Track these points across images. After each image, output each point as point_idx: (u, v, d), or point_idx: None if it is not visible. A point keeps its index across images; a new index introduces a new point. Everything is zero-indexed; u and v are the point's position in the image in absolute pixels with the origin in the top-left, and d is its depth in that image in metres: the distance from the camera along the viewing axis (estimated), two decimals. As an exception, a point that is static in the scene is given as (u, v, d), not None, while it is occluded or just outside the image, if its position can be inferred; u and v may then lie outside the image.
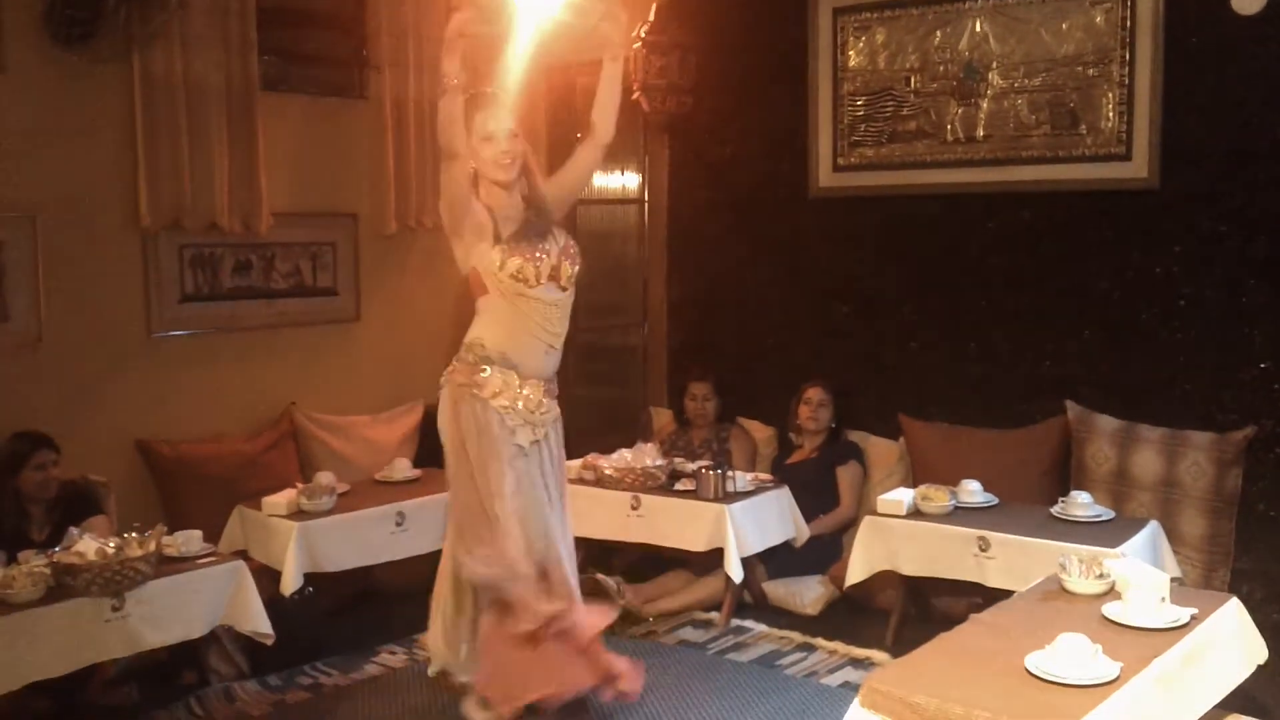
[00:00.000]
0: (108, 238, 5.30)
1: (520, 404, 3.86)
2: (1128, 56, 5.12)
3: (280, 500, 4.87)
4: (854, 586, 4.92)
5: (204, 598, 4.26)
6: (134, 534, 4.14)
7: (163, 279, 5.48)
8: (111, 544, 4.04)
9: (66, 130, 5.13)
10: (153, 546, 4.12)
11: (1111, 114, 5.18)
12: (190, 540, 4.41)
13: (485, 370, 3.84)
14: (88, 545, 4.00)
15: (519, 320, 3.87)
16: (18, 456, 4.62)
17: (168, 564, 4.23)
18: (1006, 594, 3.86)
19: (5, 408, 4.87)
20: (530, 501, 3.88)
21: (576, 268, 3.98)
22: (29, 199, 5.00)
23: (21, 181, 4.96)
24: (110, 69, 5.22)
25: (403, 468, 5.53)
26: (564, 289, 3.94)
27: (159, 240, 5.44)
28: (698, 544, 5.07)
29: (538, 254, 3.85)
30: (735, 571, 4.99)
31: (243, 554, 4.74)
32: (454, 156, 3.71)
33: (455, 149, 3.71)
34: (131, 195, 5.32)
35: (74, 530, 4.20)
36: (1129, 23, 5.11)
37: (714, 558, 5.11)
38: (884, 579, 4.88)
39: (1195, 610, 3.21)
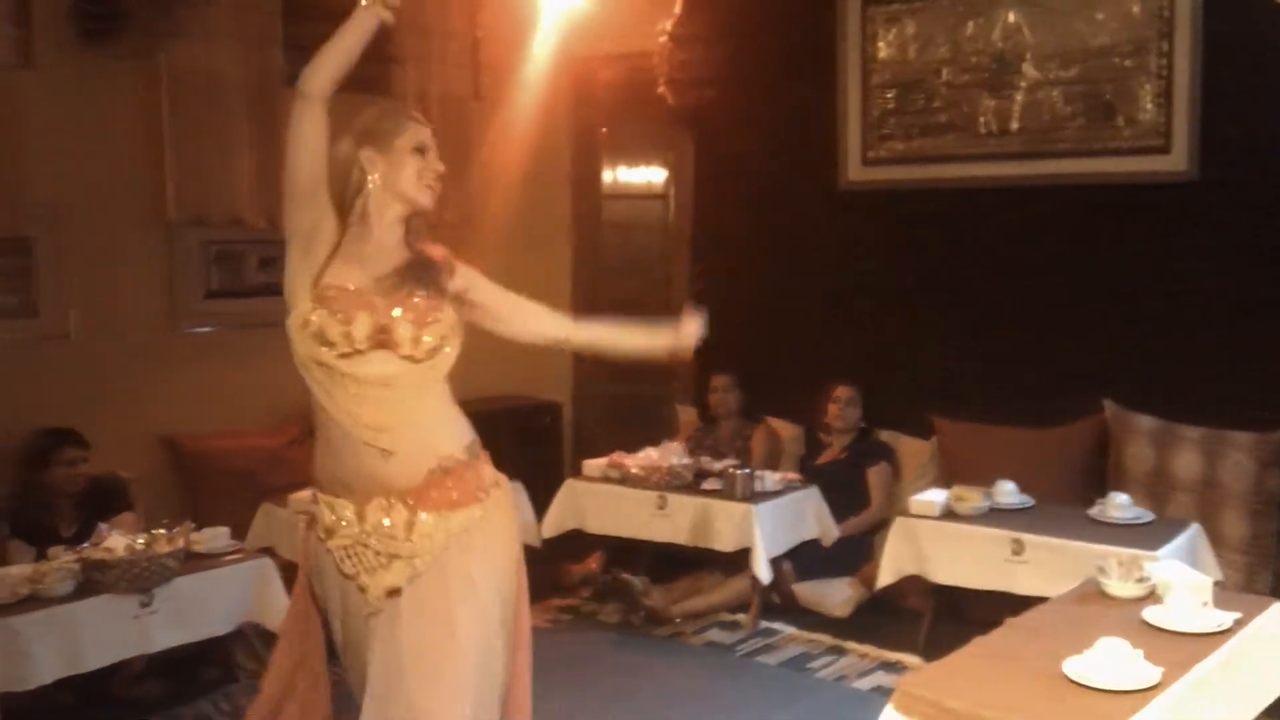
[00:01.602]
0: (133, 234, 5.32)
1: (371, 535, 2.63)
2: (1166, 47, 5.03)
3: (306, 497, 4.83)
4: (885, 588, 4.86)
5: (230, 594, 4.29)
6: (162, 530, 4.16)
7: (188, 275, 5.50)
8: (140, 540, 4.07)
9: (92, 127, 5.15)
10: (180, 543, 4.15)
11: (1149, 105, 5.10)
12: (217, 537, 4.44)
13: (318, 499, 2.72)
14: (117, 541, 4.03)
15: (333, 412, 2.66)
16: (46, 452, 4.67)
17: (195, 560, 4.27)
18: (1040, 600, 3.79)
19: (33, 403, 4.90)
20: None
21: (435, 326, 2.69)
22: (56, 195, 5.04)
23: (49, 178, 4.99)
24: (136, 65, 5.23)
25: (428, 464, 5.49)
26: (408, 357, 2.65)
27: (184, 236, 5.46)
28: (725, 544, 5.02)
29: (356, 306, 2.60)
30: (763, 572, 4.94)
31: (269, 551, 4.74)
32: (311, 99, 2.63)
33: (321, 86, 2.64)
34: (157, 191, 5.33)
35: (103, 526, 4.23)
36: (1166, 12, 5.02)
37: (741, 558, 5.06)
38: (915, 580, 4.81)
39: (1239, 614, 3.14)
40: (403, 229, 2.78)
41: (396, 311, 2.63)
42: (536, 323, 3.08)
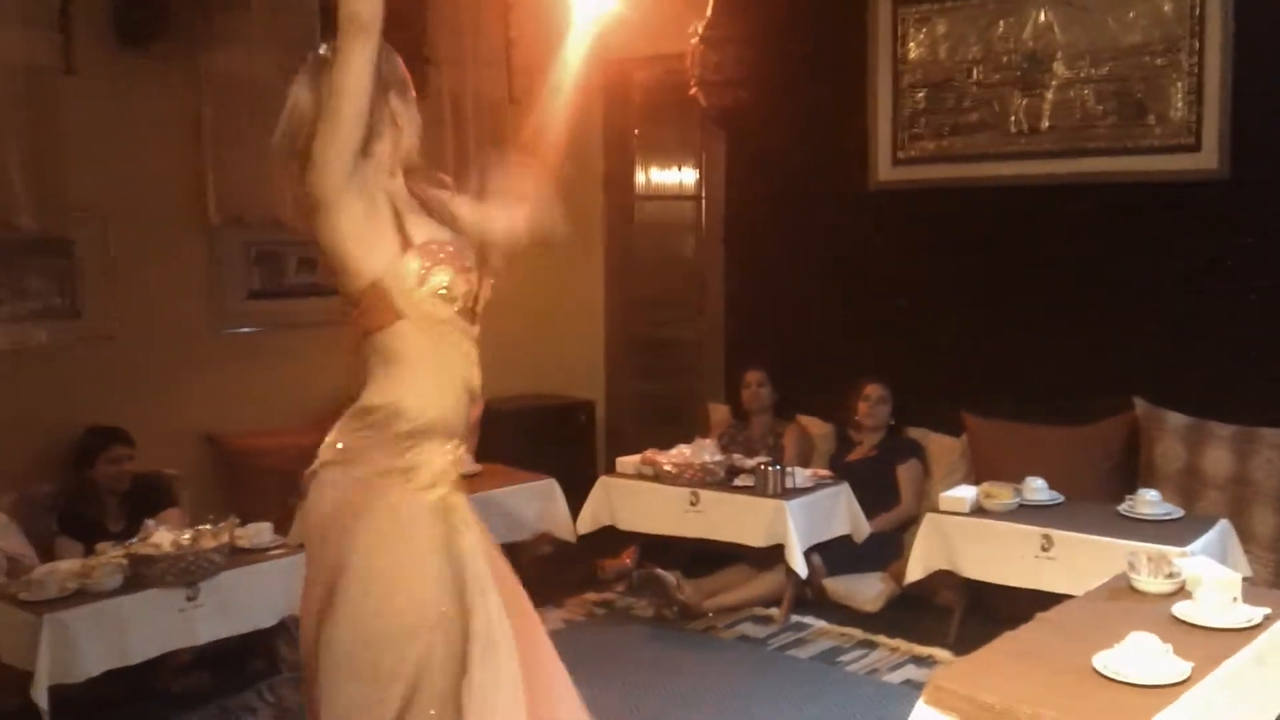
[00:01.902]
0: (176, 236, 5.40)
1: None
2: (1197, 45, 5.04)
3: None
4: (915, 583, 4.89)
5: (274, 588, 4.34)
6: (207, 526, 4.23)
7: (230, 276, 5.58)
8: (186, 535, 4.13)
9: (133, 130, 5.23)
10: (225, 538, 4.22)
11: (1180, 104, 5.10)
12: (261, 532, 4.50)
13: (418, 447, 2.60)
14: (163, 537, 4.10)
15: (444, 362, 2.64)
16: (93, 450, 4.76)
17: (239, 555, 4.34)
18: (1071, 596, 3.82)
19: (80, 402, 4.99)
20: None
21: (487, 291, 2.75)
22: (100, 199, 5.11)
23: (92, 181, 5.07)
24: (176, 70, 5.31)
25: (464, 461, 5.55)
26: (476, 320, 2.72)
27: (225, 238, 5.53)
28: (757, 539, 5.06)
29: (468, 264, 2.64)
30: (800, 566, 4.98)
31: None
32: (364, 27, 2.48)
33: (372, 11, 2.50)
34: (199, 194, 5.41)
35: (150, 522, 4.30)
36: (1197, 10, 5.03)
37: (772, 553, 5.10)
38: (946, 575, 4.84)
39: (1268, 610, 3.16)
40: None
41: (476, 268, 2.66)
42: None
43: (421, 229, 2.60)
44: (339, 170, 2.48)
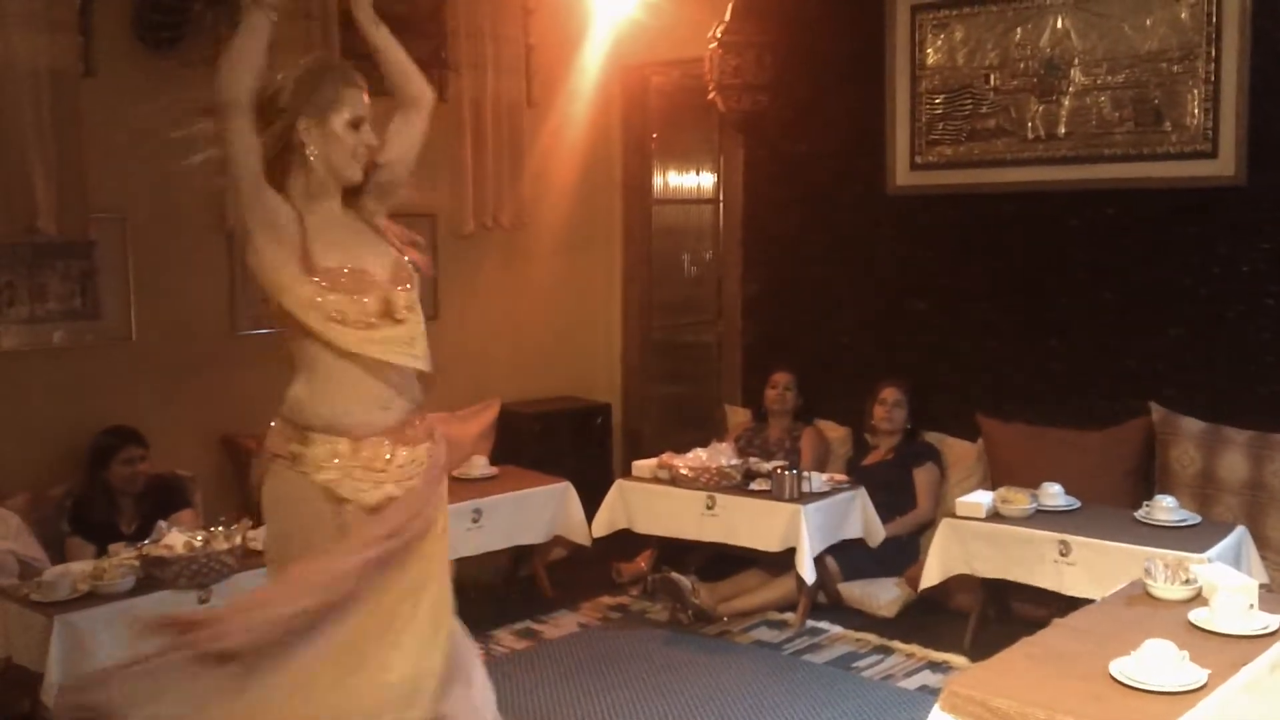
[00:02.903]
0: (195, 239, 5.42)
1: (361, 468, 2.89)
2: (1213, 52, 5.03)
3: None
4: (931, 588, 4.88)
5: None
6: (220, 528, 4.23)
7: (247, 278, 5.57)
8: (199, 537, 4.13)
9: (155, 133, 5.24)
10: (238, 540, 4.20)
11: (1197, 110, 5.09)
12: (274, 535, 4.49)
13: (308, 439, 2.89)
14: (176, 539, 4.09)
15: (344, 372, 2.89)
16: (107, 451, 4.77)
17: (252, 557, 4.29)
18: (1086, 601, 3.81)
19: (97, 403, 5.02)
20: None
21: (412, 291, 2.97)
22: (119, 201, 5.14)
23: (112, 184, 5.09)
24: (197, 72, 5.32)
25: (480, 464, 5.58)
26: (399, 321, 2.92)
27: (243, 240, 5.54)
28: (772, 544, 5.06)
29: (364, 286, 2.87)
30: (808, 573, 4.97)
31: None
32: (237, 107, 2.76)
33: (241, 93, 2.76)
34: (217, 196, 5.41)
35: (162, 524, 4.30)
36: (1214, 18, 5.02)
37: (789, 558, 5.10)
38: (962, 580, 4.84)
39: (1285, 617, 3.16)
40: (340, 197, 2.98)
41: (383, 278, 2.91)
42: (411, 136, 3.12)
43: (334, 254, 2.87)
44: (245, 213, 2.84)
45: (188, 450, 5.26)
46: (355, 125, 2.92)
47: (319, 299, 2.81)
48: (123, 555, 4.14)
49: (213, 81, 2.80)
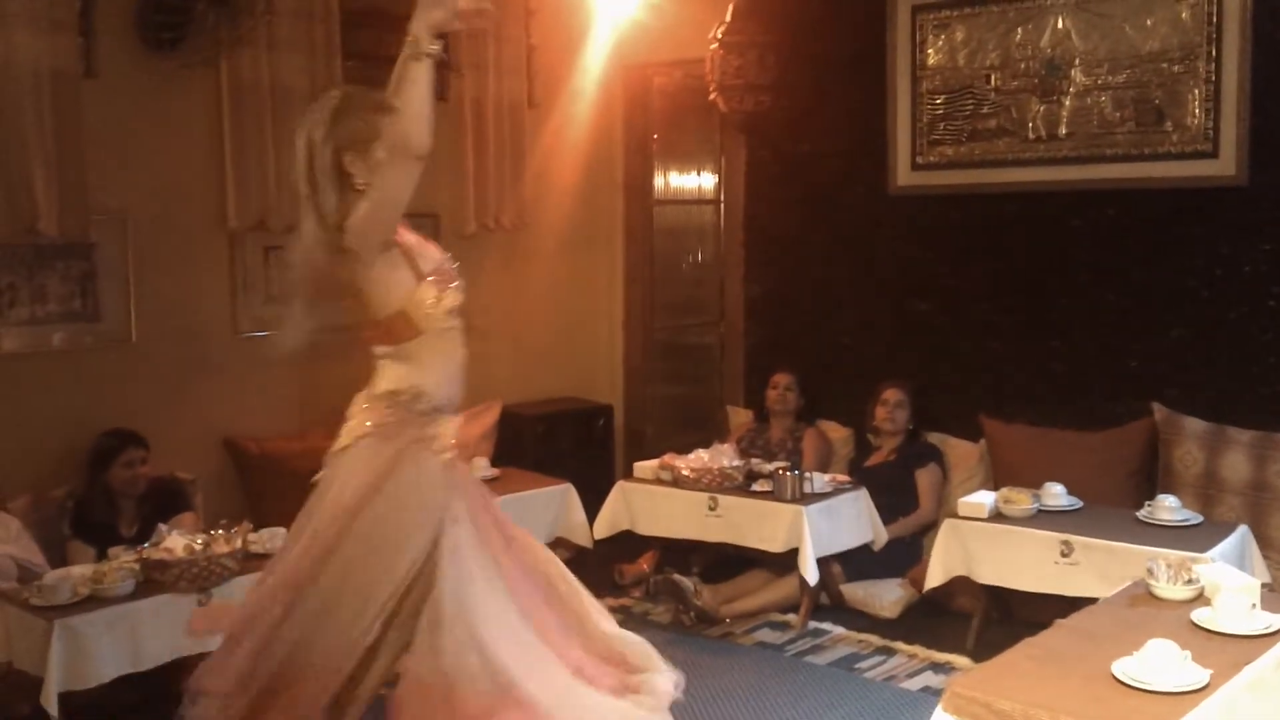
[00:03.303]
0: (196, 239, 5.42)
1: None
2: (1214, 52, 5.03)
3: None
4: (934, 589, 4.88)
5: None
6: (220, 531, 4.22)
7: (249, 280, 5.59)
8: (199, 540, 4.12)
9: (157, 134, 5.26)
10: (239, 543, 4.20)
11: (1198, 110, 5.09)
12: (275, 537, 4.46)
13: (437, 420, 3.24)
14: (176, 542, 4.08)
15: (452, 357, 3.29)
16: (108, 453, 4.76)
17: (253, 560, 4.29)
18: (1089, 601, 3.80)
19: (97, 405, 5.01)
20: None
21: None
22: (120, 201, 5.13)
23: (113, 184, 5.09)
24: (198, 74, 5.33)
25: (481, 466, 5.56)
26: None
27: (246, 242, 5.55)
28: (775, 545, 5.05)
29: (454, 281, 3.29)
30: (811, 573, 4.97)
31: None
32: (422, 154, 3.01)
33: (427, 140, 2.99)
34: (219, 198, 5.43)
35: (162, 527, 4.29)
36: (1215, 18, 5.02)
37: (792, 558, 5.09)
38: (964, 581, 4.83)
39: (1287, 617, 3.15)
40: None
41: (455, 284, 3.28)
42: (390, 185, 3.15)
43: (426, 259, 3.24)
44: (375, 247, 3.10)
45: (188, 453, 5.25)
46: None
47: (436, 297, 3.19)
48: (123, 558, 4.13)
49: (391, 129, 2.99)
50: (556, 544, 5.60)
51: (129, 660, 3.93)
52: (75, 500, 4.80)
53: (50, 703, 3.70)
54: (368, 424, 3.23)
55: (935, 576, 4.79)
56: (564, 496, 5.51)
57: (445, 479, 3.21)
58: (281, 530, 4.53)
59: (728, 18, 6.06)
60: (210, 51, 5.28)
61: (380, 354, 3.28)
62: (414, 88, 2.96)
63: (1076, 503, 4.73)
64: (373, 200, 3.04)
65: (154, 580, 4.02)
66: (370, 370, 3.31)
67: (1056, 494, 4.73)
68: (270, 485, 5.45)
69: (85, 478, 4.84)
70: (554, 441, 6.51)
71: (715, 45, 6.07)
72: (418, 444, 3.21)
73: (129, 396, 5.14)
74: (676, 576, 5.20)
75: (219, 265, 5.51)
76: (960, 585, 4.88)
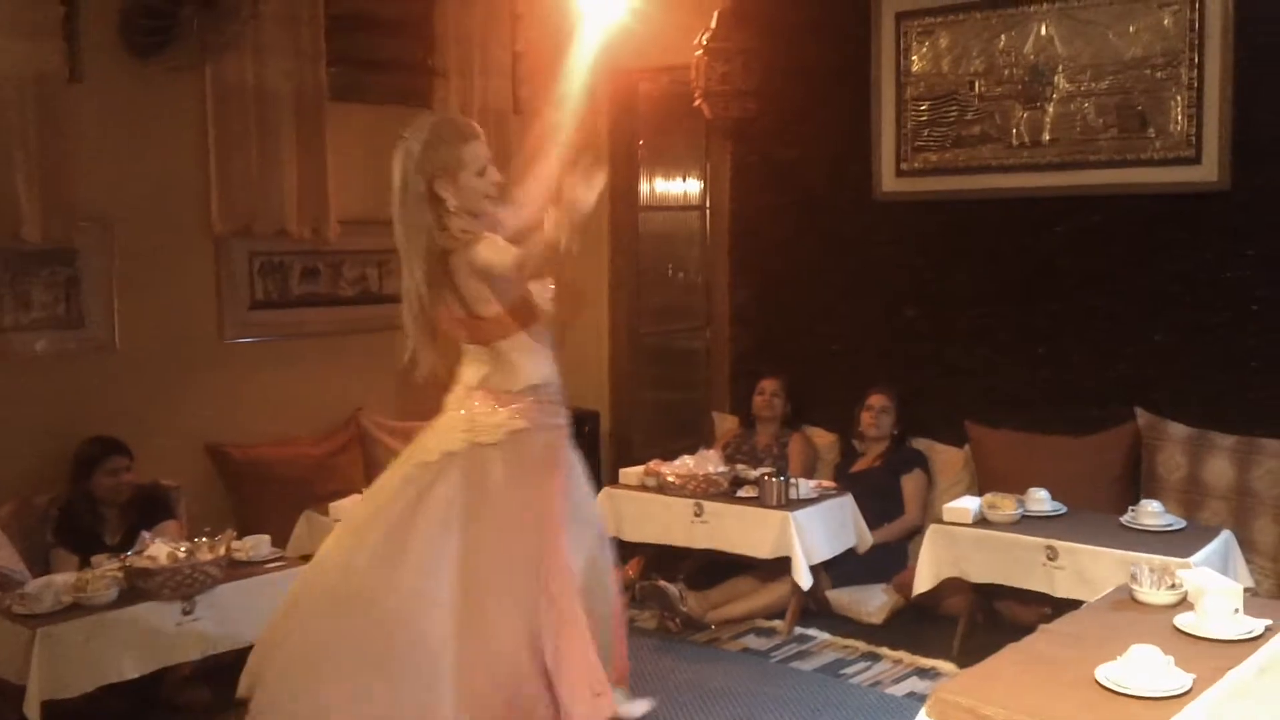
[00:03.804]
0: (180, 245, 5.40)
1: None
2: (1196, 59, 5.06)
3: (346, 505, 4.91)
4: (922, 594, 4.88)
5: (273, 601, 4.25)
6: (204, 538, 4.20)
7: (234, 286, 5.58)
8: (182, 548, 4.10)
9: (141, 139, 5.24)
10: (222, 551, 4.18)
11: (1180, 116, 5.11)
12: (259, 545, 4.47)
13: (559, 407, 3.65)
14: (159, 549, 4.07)
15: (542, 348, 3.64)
16: (91, 461, 4.73)
17: (237, 568, 4.29)
18: (1075, 604, 3.81)
19: (80, 412, 4.98)
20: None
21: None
22: (104, 206, 5.11)
23: (96, 189, 5.07)
24: (183, 78, 5.32)
25: (467, 472, 5.55)
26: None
27: (230, 247, 5.54)
28: (763, 551, 5.05)
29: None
30: (804, 579, 4.97)
31: (310, 558, 4.77)
32: (550, 258, 3.39)
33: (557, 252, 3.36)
34: (203, 203, 5.42)
35: (145, 534, 4.27)
36: (1197, 24, 5.04)
37: (777, 565, 5.10)
38: (950, 587, 4.83)
39: (1270, 621, 3.15)
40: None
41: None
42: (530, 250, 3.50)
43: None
44: (518, 277, 3.45)
45: (173, 460, 5.22)
46: (481, 174, 3.53)
47: (539, 293, 3.55)
48: (106, 566, 4.10)
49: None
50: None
51: (113, 669, 3.90)
52: (58, 508, 4.76)
53: (33, 711, 3.67)
54: (517, 419, 3.52)
55: (924, 581, 4.79)
56: (549, 502, 5.49)
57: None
58: (266, 538, 4.52)
59: (713, 24, 6.07)
60: (195, 56, 5.26)
61: (506, 348, 3.55)
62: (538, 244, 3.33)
63: (1061, 508, 4.73)
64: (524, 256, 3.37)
65: (138, 588, 4.00)
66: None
67: (1041, 499, 4.74)
68: (253, 492, 5.44)
69: (69, 485, 4.80)
70: (540, 448, 6.49)
71: (701, 51, 6.08)
72: (558, 431, 3.65)
73: (113, 403, 5.11)
74: (662, 583, 5.20)
75: (204, 271, 5.49)
76: (946, 590, 4.89)
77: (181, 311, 5.42)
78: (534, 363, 3.57)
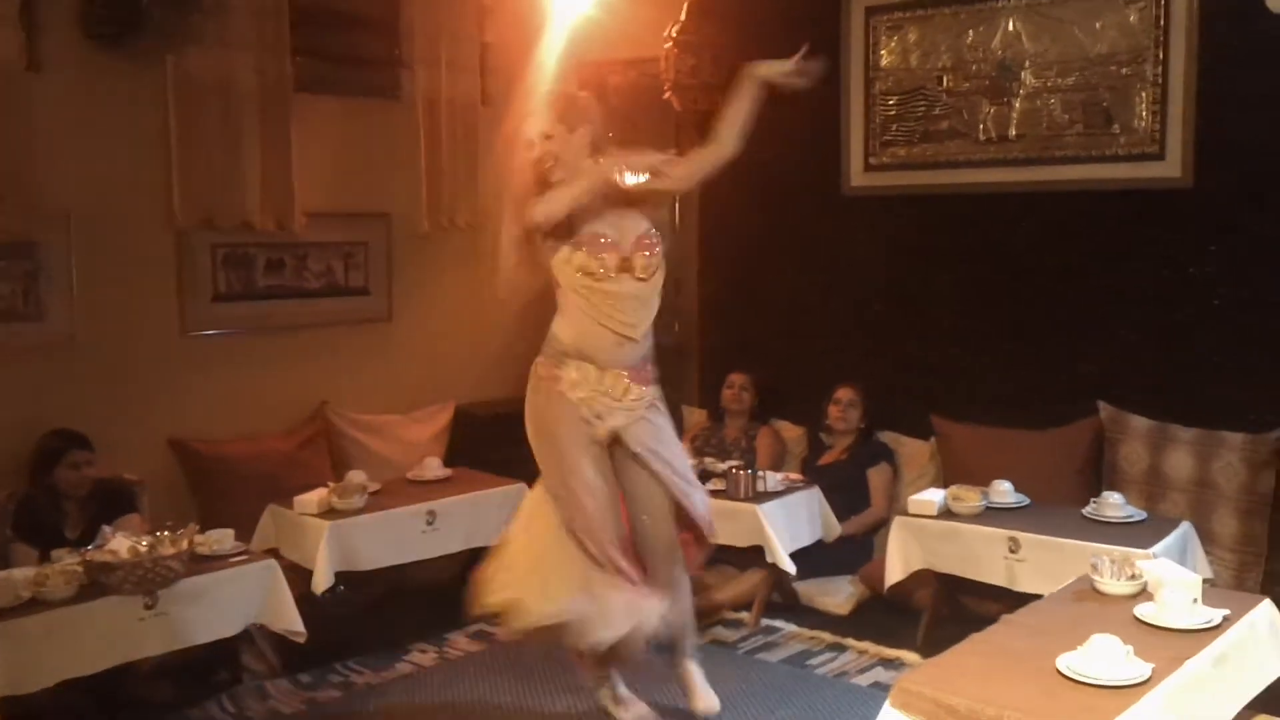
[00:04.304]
0: (142, 237, 5.36)
1: (604, 394, 3.88)
2: (1161, 55, 5.08)
3: (312, 499, 4.90)
4: (889, 586, 4.89)
5: (237, 596, 4.28)
6: (166, 533, 4.16)
7: (196, 278, 5.54)
8: (144, 542, 4.06)
9: (101, 130, 5.19)
10: (185, 545, 4.14)
11: (1145, 113, 5.14)
12: (223, 539, 4.43)
13: (564, 363, 3.88)
14: (120, 544, 4.02)
15: (590, 312, 3.86)
16: (52, 455, 4.67)
17: (200, 563, 4.25)
18: (1036, 598, 3.83)
19: (40, 406, 4.94)
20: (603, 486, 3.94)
21: (653, 257, 3.91)
22: (64, 198, 5.07)
23: (56, 180, 5.03)
24: (145, 69, 5.27)
25: (434, 466, 5.54)
26: (640, 279, 3.87)
27: (192, 240, 5.50)
28: (737, 540, 5.04)
29: (603, 247, 3.83)
30: (787, 564, 4.97)
31: (274, 553, 4.76)
32: (542, 228, 3.83)
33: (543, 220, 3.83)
34: (165, 195, 5.38)
35: (107, 529, 4.23)
36: (1163, 21, 5.07)
37: (744, 557, 5.10)
38: (915, 579, 4.85)
39: (1228, 611, 3.18)
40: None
41: (627, 244, 3.86)
42: (695, 163, 4.16)
43: (595, 225, 3.83)
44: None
45: (134, 454, 5.18)
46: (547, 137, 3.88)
47: (572, 257, 3.80)
48: (67, 561, 4.05)
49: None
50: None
51: (73, 664, 3.86)
52: (18, 502, 4.71)
53: (-10, 704, 3.64)
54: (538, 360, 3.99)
55: (895, 573, 4.79)
56: (517, 496, 5.45)
57: (576, 414, 3.88)
58: (229, 532, 4.49)
59: (682, 17, 6.06)
60: (157, 46, 5.22)
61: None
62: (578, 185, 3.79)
63: (1024, 500, 4.76)
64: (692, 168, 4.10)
65: (99, 583, 3.96)
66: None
67: (1005, 491, 4.77)
68: (217, 486, 5.41)
69: (29, 479, 4.75)
70: (509, 442, 6.45)
71: (670, 44, 6.07)
72: (545, 382, 3.93)
73: (73, 397, 5.07)
74: (629, 576, 5.18)
75: (165, 263, 5.45)
76: (911, 582, 4.90)
77: (143, 304, 5.38)
78: (557, 319, 4.01)
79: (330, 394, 5.98)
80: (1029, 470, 5.02)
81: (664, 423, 4.06)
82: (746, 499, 5.06)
